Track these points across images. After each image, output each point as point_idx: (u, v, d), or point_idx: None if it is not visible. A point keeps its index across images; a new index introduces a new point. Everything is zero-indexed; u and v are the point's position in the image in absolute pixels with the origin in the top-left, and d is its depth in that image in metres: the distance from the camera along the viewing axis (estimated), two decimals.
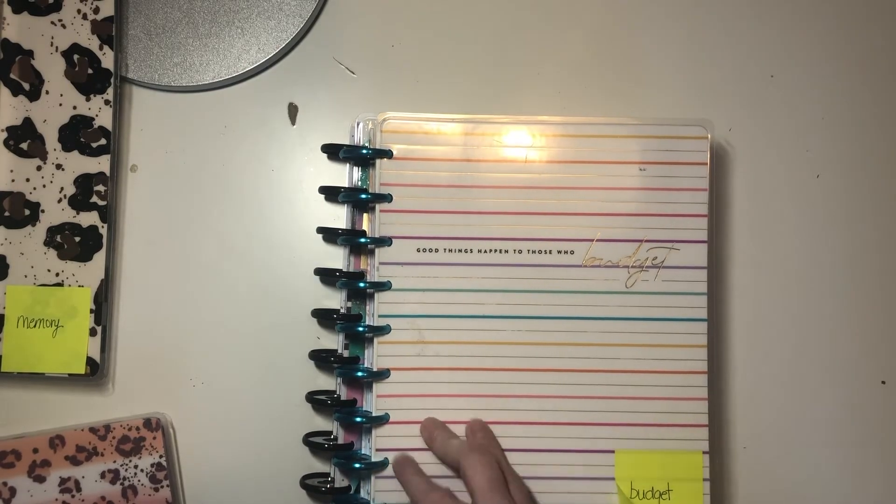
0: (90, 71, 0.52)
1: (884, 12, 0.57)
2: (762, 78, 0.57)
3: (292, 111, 0.55)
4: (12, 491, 0.49)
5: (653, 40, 0.56)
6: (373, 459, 0.49)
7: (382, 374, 0.49)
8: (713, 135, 0.51)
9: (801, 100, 0.57)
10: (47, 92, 0.52)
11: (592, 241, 0.50)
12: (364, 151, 0.50)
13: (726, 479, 0.54)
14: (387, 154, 0.50)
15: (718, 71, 0.57)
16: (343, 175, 0.54)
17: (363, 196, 0.50)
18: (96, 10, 0.52)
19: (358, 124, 0.52)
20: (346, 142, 0.53)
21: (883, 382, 0.55)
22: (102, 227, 0.52)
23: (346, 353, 0.50)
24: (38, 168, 0.51)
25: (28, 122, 0.51)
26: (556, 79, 0.56)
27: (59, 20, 0.52)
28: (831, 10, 0.57)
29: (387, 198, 0.50)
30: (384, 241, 0.50)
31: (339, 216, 0.53)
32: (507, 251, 0.50)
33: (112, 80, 0.52)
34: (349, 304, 0.51)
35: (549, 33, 0.56)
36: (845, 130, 0.57)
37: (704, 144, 0.51)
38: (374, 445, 0.49)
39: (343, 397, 0.50)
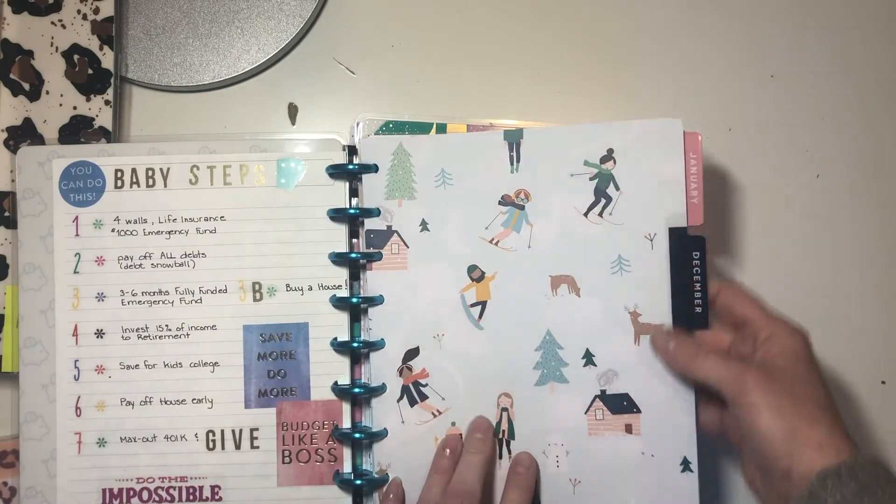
0: (90, 71, 0.52)
1: (884, 12, 0.57)
2: (762, 78, 0.57)
3: (292, 111, 0.55)
4: (13, 491, 0.49)
5: (653, 40, 0.56)
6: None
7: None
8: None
9: (801, 100, 0.57)
10: (47, 92, 0.52)
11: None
12: (350, 167, 0.50)
13: (725, 478, 0.54)
14: (372, 169, 0.50)
15: (718, 71, 0.57)
16: None
17: (351, 212, 0.50)
18: (96, 11, 0.52)
19: (358, 124, 0.52)
20: (346, 142, 0.53)
21: (883, 382, 0.55)
22: None
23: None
24: None
25: (28, 122, 0.51)
26: (556, 78, 0.56)
27: (59, 20, 0.52)
28: (831, 11, 0.57)
29: (374, 212, 0.50)
30: (375, 256, 0.49)
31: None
32: None
33: (112, 80, 0.52)
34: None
35: (549, 33, 0.56)
36: (845, 130, 0.57)
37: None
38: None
39: None
